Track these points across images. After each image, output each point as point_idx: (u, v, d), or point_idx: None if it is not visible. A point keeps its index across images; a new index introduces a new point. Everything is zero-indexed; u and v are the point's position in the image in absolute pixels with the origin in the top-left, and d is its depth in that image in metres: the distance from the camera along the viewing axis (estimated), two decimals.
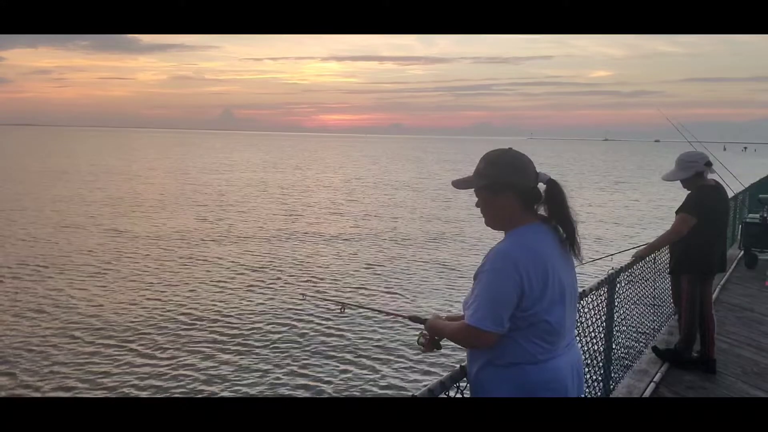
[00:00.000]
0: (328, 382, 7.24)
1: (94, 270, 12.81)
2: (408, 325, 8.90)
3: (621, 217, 22.76)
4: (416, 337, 2.34)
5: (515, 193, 2.02)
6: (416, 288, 11.89)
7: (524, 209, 2.04)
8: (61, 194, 26.58)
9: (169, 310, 9.99)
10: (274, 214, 22.09)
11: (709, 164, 4.57)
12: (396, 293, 11.46)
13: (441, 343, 2.25)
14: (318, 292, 11.13)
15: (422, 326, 2.30)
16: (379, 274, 12.94)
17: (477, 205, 2.12)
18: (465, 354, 2.13)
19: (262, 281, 12.07)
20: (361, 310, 9.33)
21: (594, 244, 16.19)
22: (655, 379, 4.50)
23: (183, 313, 9.82)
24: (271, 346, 8.36)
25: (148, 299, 10.65)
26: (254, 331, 8.96)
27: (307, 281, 12.10)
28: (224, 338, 8.65)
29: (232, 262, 13.86)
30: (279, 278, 12.32)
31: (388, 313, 2.83)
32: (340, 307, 3.00)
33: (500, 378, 1.99)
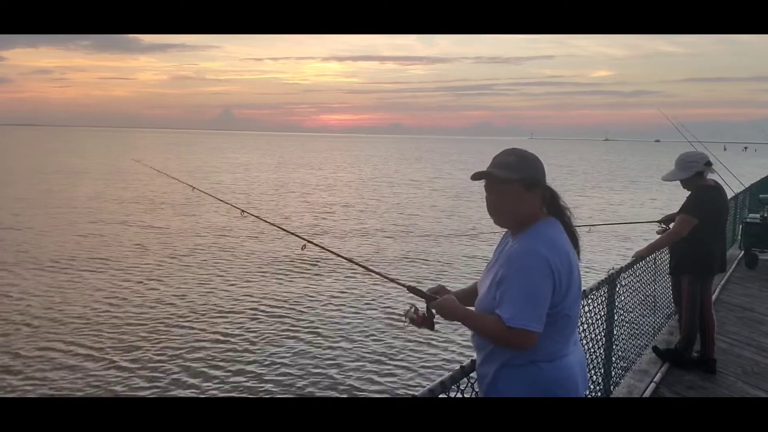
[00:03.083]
0: (328, 384, 7.25)
1: (146, 264, 13.25)
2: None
3: (645, 216, 22.67)
4: (407, 309, 2.19)
5: (543, 190, 2.05)
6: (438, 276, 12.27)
7: (542, 208, 2.07)
8: (89, 193, 27.05)
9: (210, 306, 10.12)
10: (302, 211, 22.66)
11: (709, 164, 4.57)
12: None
13: (436, 324, 2.16)
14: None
15: (422, 300, 2.22)
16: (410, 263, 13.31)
17: (491, 200, 2.06)
18: (464, 352, 2.11)
19: (292, 275, 12.33)
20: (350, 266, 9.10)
21: (625, 242, 16.29)
22: (655, 379, 4.49)
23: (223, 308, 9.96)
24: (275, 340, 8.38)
25: (195, 293, 10.90)
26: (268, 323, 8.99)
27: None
28: (233, 334, 8.67)
29: (269, 257, 14.25)
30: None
31: (383, 276, 2.58)
32: (303, 244, 2.87)
33: (517, 377, 1.97)
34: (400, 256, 14.56)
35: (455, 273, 12.97)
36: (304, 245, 2.88)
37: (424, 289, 2.29)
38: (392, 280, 2.65)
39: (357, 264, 2.91)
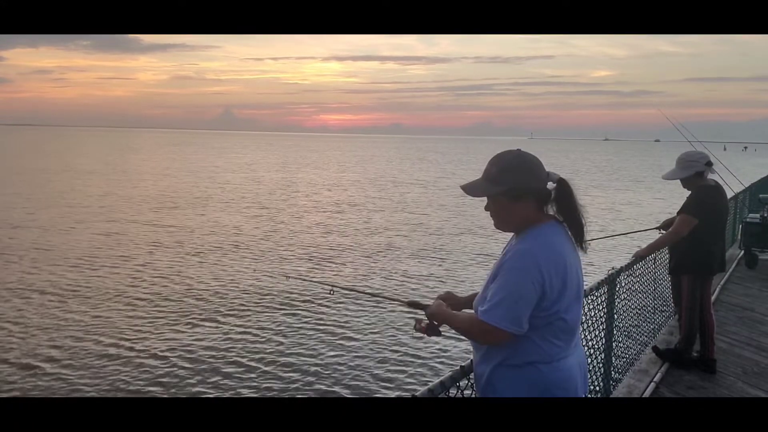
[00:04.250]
0: (328, 384, 7.25)
1: (157, 261, 13.52)
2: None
3: (649, 215, 22.58)
4: (414, 322, 2.29)
5: (532, 197, 2.01)
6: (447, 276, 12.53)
7: (538, 211, 2.04)
8: (98, 192, 27.33)
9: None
10: (311, 210, 23.00)
11: (709, 164, 4.57)
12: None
13: (441, 329, 2.23)
14: (305, 272, 11.32)
15: (422, 312, 2.28)
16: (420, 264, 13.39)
17: (487, 208, 2.09)
18: (465, 353, 2.13)
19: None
20: (354, 294, 9.42)
21: (625, 242, 16.35)
22: (655, 379, 4.49)
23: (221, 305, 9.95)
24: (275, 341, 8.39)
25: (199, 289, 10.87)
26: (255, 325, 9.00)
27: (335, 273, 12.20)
28: (236, 334, 8.68)
29: (280, 255, 14.53)
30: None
31: (385, 298, 2.75)
32: (329, 289, 2.98)
33: (514, 378, 1.97)
34: (410, 255, 14.73)
35: (465, 272, 13.10)
36: (331, 290, 3.02)
37: (430, 299, 2.37)
38: (393, 300, 2.85)
39: (367, 293, 3.11)
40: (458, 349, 7.85)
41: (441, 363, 7.59)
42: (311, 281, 10.39)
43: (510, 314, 1.88)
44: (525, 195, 2.00)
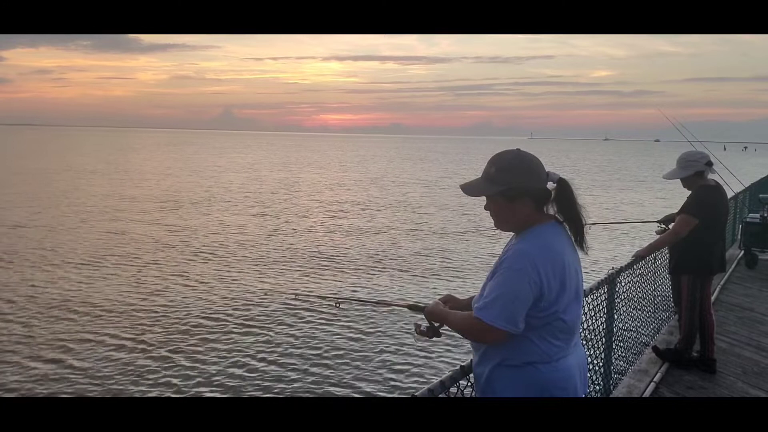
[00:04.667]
0: (330, 383, 7.26)
1: (161, 260, 13.61)
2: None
3: (651, 214, 22.71)
4: (414, 327, 2.29)
5: (530, 197, 2.01)
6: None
7: (538, 211, 2.04)
8: (103, 192, 27.46)
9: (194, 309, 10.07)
10: (316, 210, 23.09)
11: (709, 164, 4.57)
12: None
13: (441, 330, 2.23)
14: (312, 288, 11.32)
15: (421, 314, 2.28)
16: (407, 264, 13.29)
17: (486, 208, 2.09)
18: (464, 353, 2.13)
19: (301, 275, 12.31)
20: (355, 304, 9.51)
21: (626, 241, 16.36)
22: (655, 379, 4.49)
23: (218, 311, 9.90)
24: (272, 344, 8.39)
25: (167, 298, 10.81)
26: (260, 327, 9.00)
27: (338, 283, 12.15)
28: (233, 335, 8.68)
29: (284, 255, 14.52)
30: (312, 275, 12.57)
31: (386, 304, 2.70)
32: (334, 302, 2.96)
33: (513, 378, 1.97)
34: (414, 254, 14.79)
35: (468, 271, 13.15)
36: (337, 303, 2.98)
37: (429, 301, 2.36)
38: (392, 305, 2.72)
39: (371, 302, 3.04)
40: (458, 349, 7.87)
41: (441, 363, 7.60)
42: (319, 297, 10.74)
43: (505, 313, 1.88)
44: (523, 195, 2.00)
